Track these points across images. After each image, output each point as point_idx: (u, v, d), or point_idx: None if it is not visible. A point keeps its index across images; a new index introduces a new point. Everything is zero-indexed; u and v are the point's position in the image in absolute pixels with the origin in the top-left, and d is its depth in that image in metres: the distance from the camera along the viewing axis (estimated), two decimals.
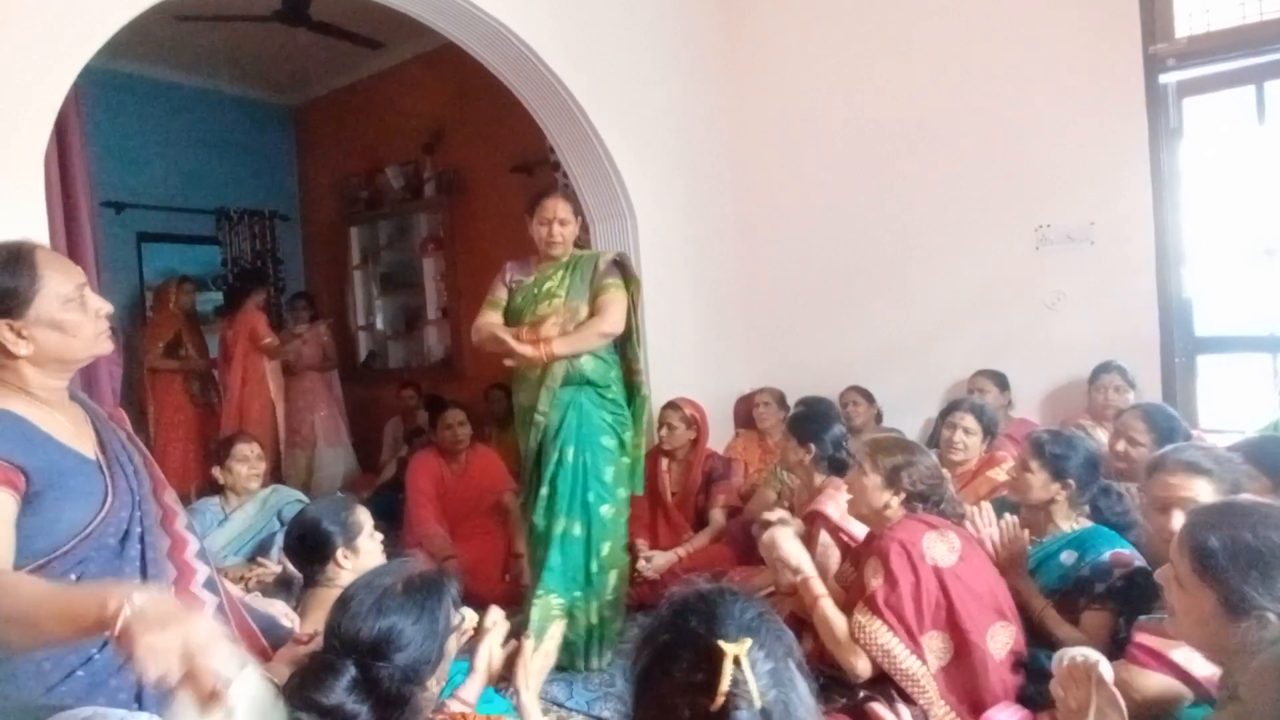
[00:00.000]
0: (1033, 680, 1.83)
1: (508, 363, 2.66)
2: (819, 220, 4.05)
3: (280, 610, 1.87)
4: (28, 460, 1.24)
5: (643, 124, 3.71)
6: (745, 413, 4.06)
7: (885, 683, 1.83)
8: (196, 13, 4.33)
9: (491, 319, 2.75)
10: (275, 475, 4.50)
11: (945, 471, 2.16)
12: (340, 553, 1.93)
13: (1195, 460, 1.81)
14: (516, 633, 1.67)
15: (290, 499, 3.03)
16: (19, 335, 1.29)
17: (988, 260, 3.57)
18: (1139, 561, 1.97)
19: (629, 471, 2.83)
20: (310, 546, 1.95)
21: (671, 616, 0.95)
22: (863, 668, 1.84)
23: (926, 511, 2.01)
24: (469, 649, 1.57)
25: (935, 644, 1.83)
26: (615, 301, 2.67)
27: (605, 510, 2.70)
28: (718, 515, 3.40)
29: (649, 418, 3.33)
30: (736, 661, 0.86)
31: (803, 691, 0.92)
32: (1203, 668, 1.51)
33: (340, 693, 1.18)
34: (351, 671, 1.20)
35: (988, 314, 3.60)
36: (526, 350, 2.54)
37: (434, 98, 5.55)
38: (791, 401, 3.81)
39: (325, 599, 1.83)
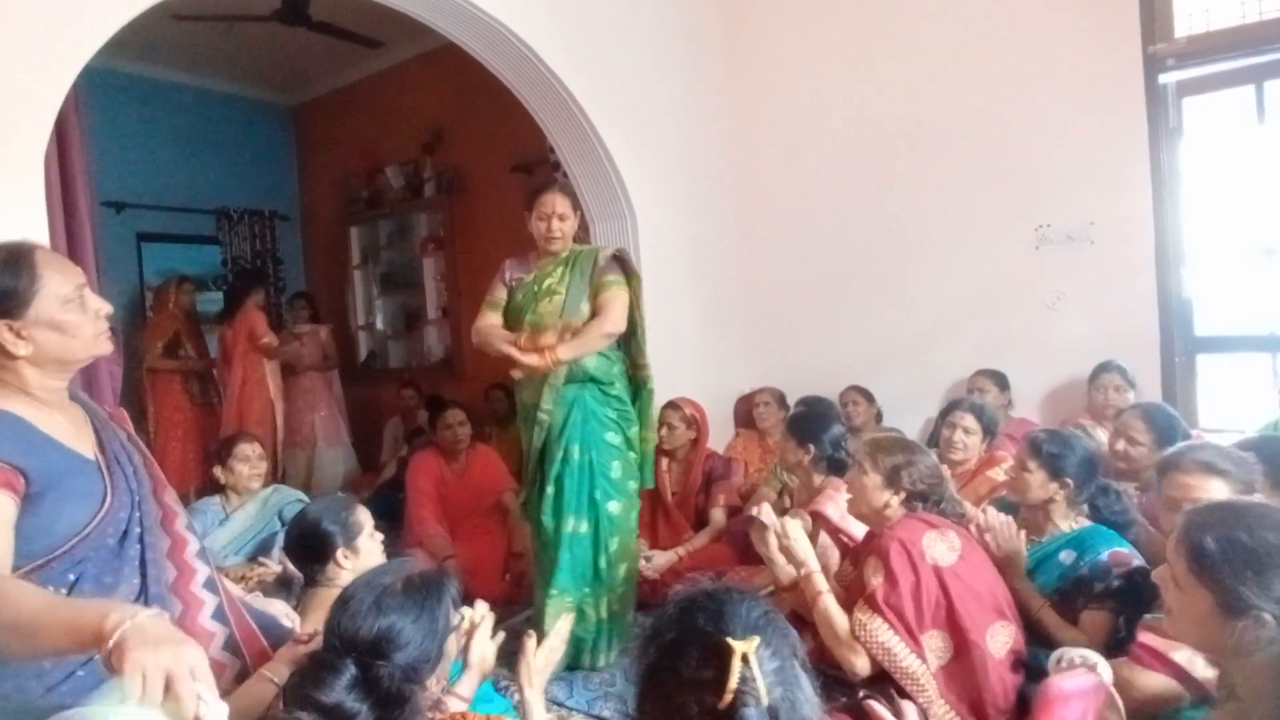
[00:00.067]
0: (1032, 679, 1.83)
1: (515, 374, 2.67)
2: (819, 220, 4.06)
3: (280, 610, 1.87)
4: (27, 462, 1.24)
5: (643, 124, 3.71)
6: (745, 412, 4.06)
7: (884, 682, 1.83)
8: (196, 12, 4.33)
9: (491, 320, 2.75)
10: (276, 475, 4.50)
11: (945, 471, 2.17)
12: (340, 553, 1.93)
13: (1212, 461, 1.81)
14: (518, 631, 1.67)
15: (291, 499, 3.03)
16: (18, 336, 1.29)
17: (988, 260, 3.58)
18: (1137, 561, 1.97)
19: (638, 465, 2.83)
20: (310, 546, 1.95)
21: (678, 614, 0.95)
22: (861, 666, 1.84)
23: (926, 511, 2.01)
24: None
25: (935, 643, 1.83)
26: (616, 299, 2.66)
27: (613, 507, 2.69)
28: (718, 515, 3.40)
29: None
30: (745, 659, 0.86)
31: (807, 690, 0.92)
32: (1205, 670, 1.51)
33: (340, 691, 1.18)
34: (351, 670, 1.20)
35: (988, 314, 3.60)
36: (532, 360, 2.54)
37: (434, 98, 5.55)
38: (791, 401, 3.81)
39: (325, 599, 1.83)
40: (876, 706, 1.19)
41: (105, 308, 1.40)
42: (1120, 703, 1.42)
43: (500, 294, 2.80)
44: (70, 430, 1.36)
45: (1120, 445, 2.58)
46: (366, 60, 5.64)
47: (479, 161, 5.37)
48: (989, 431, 2.84)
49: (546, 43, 3.26)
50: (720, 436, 3.93)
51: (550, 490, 2.67)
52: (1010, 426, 3.22)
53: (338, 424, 5.37)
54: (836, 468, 2.65)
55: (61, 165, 2.34)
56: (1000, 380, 3.45)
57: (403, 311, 6.24)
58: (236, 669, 1.52)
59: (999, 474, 2.65)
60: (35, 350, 1.30)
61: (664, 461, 3.54)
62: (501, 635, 1.63)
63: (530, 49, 3.22)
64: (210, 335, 5.25)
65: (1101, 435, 2.83)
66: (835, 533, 2.43)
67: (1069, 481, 2.09)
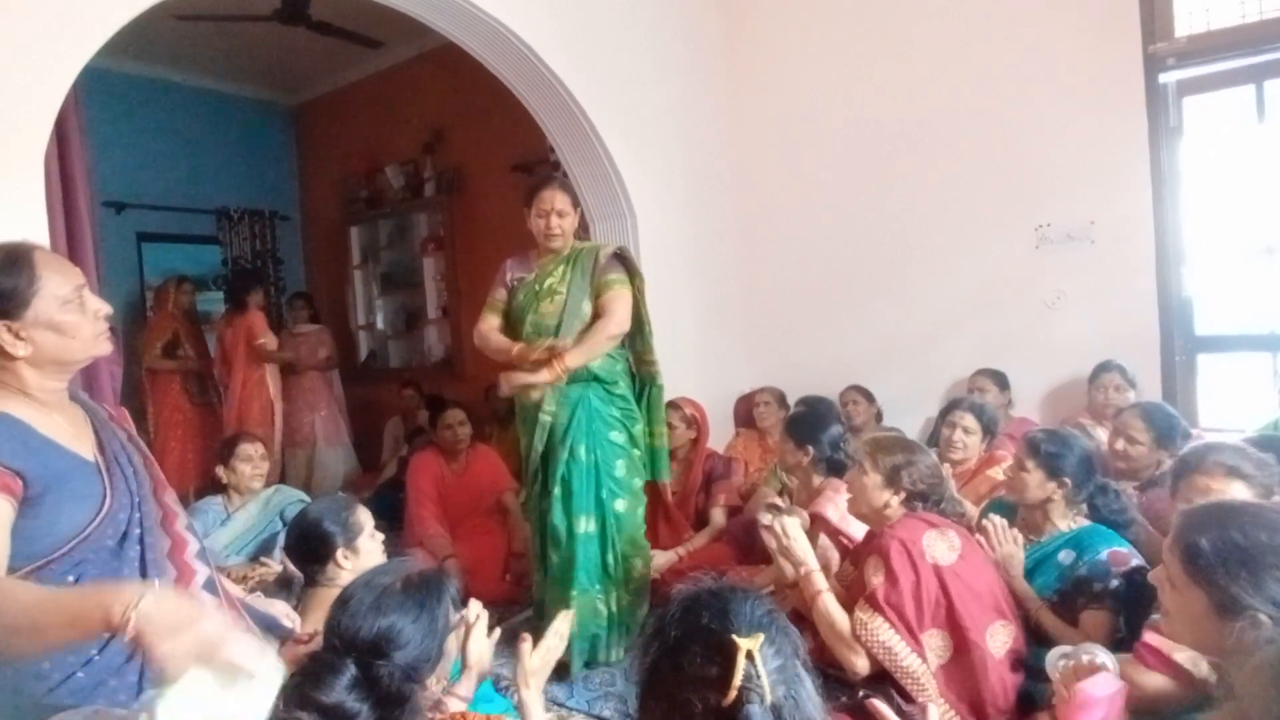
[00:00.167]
0: (1032, 679, 1.83)
1: (503, 391, 2.67)
2: (819, 220, 4.06)
3: (281, 610, 1.87)
4: (26, 464, 1.24)
5: (643, 124, 3.71)
6: (745, 412, 4.06)
7: (884, 681, 1.83)
8: (196, 12, 4.33)
9: (491, 323, 2.77)
10: (277, 475, 4.50)
11: (945, 470, 2.17)
12: (340, 553, 1.93)
13: (1236, 465, 1.79)
14: (518, 631, 1.67)
15: (293, 499, 3.03)
16: (17, 337, 1.28)
17: (988, 260, 3.57)
18: (1136, 560, 1.97)
19: (646, 461, 2.84)
20: (311, 546, 1.96)
21: (682, 612, 0.95)
22: (861, 664, 1.85)
23: (927, 510, 2.01)
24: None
25: (935, 642, 1.83)
26: (619, 299, 2.65)
27: (619, 505, 2.70)
28: (718, 515, 3.40)
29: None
30: (750, 656, 0.86)
31: (809, 688, 0.92)
32: (1208, 671, 1.51)
33: (340, 691, 1.18)
34: (351, 670, 1.20)
35: (988, 313, 3.60)
36: (543, 377, 2.54)
37: (434, 97, 5.55)
38: (791, 401, 3.81)
39: (325, 599, 1.84)
40: (881, 706, 1.19)
41: (104, 308, 1.40)
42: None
43: (500, 295, 2.80)
44: (69, 431, 1.36)
45: (1120, 445, 2.58)
46: (366, 60, 5.64)
47: (479, 161, 5.37)
48: (989, 431, 2.85)
49: (546, 43, 3.26)
50: (720, 436, 3.93)
51: (558, 491, 2.66)
52: (1010, 426, 3.22)
53: (338, 424, 5.37)
54: (835, 468, 2.65)
55: (61, 165, 2.34)
56: (1000, 380, 3.45)
57: (403, 311, 6.24)
58: None
59: (999, 473, 2.65)
60: (34, 351, 1.30)
61: None
62: (498, 633, 1.63)
63: (530, 49, 3.22)
64: (211, 335, 5.25)
65: (1101, 435, 2.83)
66: (835, 534, 2.43)
67: (1067, 481, 2.09)
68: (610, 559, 2.69)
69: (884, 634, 1.82)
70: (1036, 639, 1.94)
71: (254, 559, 2.82)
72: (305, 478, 5.10)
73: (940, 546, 1.88)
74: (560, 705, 2.51)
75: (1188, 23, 3.10)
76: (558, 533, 2.67)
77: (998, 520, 2.11)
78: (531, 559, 2.90)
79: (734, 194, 4.27)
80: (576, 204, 2.80)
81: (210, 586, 1.51)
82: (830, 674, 1.89)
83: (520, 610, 3.08)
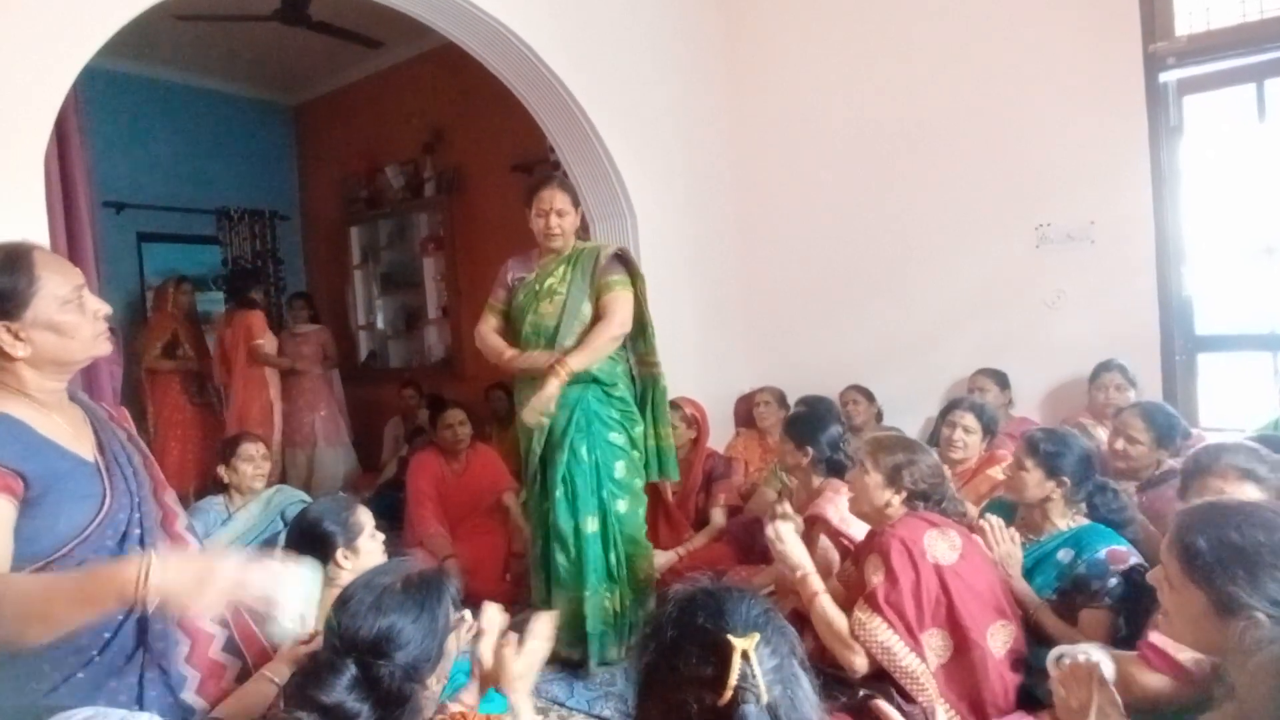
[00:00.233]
0: (1032, 679, 1.83)
1: (552, 410, 2.64)
2: (819, 220, 4.05)
3: None
4: (26, 465, 1.24)
5: (643, 124, 3.71)
6: (745, 412, 4.06)
7: (884, 681, 1.83)
8: (196, 12, 4.33)
9: (491, 325, 2.77)
10: (278, 475, 4.50)
11: (946, 469, 2.17)
12: (340, 553, 1.93)
13: (1250, 467, 1.78)
14: (517, 631, 1.67)
15: (294, 499, 3.02)
16: (16, 337, 1.28)
17: (988, 260, 3.57)
18: (1135, 558, 1.97)
19: (659, 458, 2.85)
20: (311, 546, 1.95)
21: (678, 612, 0.95)
22: (860, 664, 1.84)
23: (928, 510, 2.01)
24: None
25: (935, 641, 1.83)
26: (620, 300, 2.65)
27: (620, 505, 2.70)
28: (718, 515, 3.40)
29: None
30: (745, 656, 0.86)
31: (806, 688, 0.92)
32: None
33: (341, 691, 1.18)
34: (352, 670, 1.20)
35: (988, 313, 3.60)
36: (551, 386, 2.51)
37: (434, 97, 5.55)
38: (792, 401, 3.81)
39: (326, 599, 1.84)
40: (884, 706, 1.18)
41: (104, 308, 1.40)
42: (1119, 699, 1.42)
43: (501, 296, 2.80)
44: (69, 432, 1.36)
45: (1120, 444, 2.58)
46: (366, 60, 5.64)
47: (479, 161, 5.37)
48: (989, 430, 2.85)
49: (546, 43, 3.26)
50: (720, 436, 3.92)
51: (560, 492, 2.66)
52: (1010, 425, 3.22)
53: (338, 424, 5.36)
54: (835, 469, 2.64)
55: (61, 165, 2.34)
56: (1001, 379, 3.45)
57: (403, 311, 6.24)
58: (237, 669, 1.53)
59: (999, 473, 2.65)
60: (33, 351, 1.30)
61: None
62: (514, 638, 1.61)
63: (530, 49, 3.22)
64: (210, 335, 5.25)
65: (1102, 434, 2.83)
66: (835, 535, 2.42)
67: (1066, 480, 2.09)
68: (613, 559, 2.69)
69: (882, 634, 1.82)
70: (1036, 638, 1.94)
71: None
72: (305, 478, 5.10)
73: (941, 546, 1.88)
74: (560, 705, 2.51)
75: (1188, 22, 3.10)
76: (564, 534, 2.67)
77: (994, 520, 2.11)
78: (531, 560, 2.90)
79: (734, 194, 4.27)
80: (577, 203, 2.80)
81: None
82: (830, 674, 1.89)
83: (520, 610, 3.08)
